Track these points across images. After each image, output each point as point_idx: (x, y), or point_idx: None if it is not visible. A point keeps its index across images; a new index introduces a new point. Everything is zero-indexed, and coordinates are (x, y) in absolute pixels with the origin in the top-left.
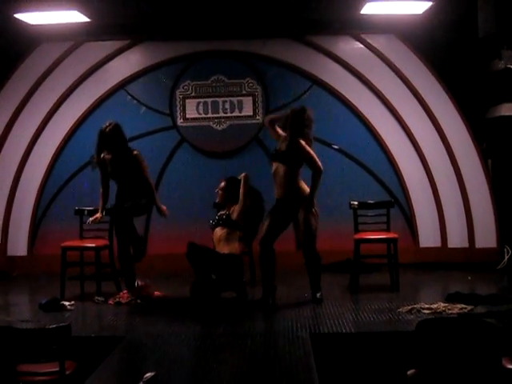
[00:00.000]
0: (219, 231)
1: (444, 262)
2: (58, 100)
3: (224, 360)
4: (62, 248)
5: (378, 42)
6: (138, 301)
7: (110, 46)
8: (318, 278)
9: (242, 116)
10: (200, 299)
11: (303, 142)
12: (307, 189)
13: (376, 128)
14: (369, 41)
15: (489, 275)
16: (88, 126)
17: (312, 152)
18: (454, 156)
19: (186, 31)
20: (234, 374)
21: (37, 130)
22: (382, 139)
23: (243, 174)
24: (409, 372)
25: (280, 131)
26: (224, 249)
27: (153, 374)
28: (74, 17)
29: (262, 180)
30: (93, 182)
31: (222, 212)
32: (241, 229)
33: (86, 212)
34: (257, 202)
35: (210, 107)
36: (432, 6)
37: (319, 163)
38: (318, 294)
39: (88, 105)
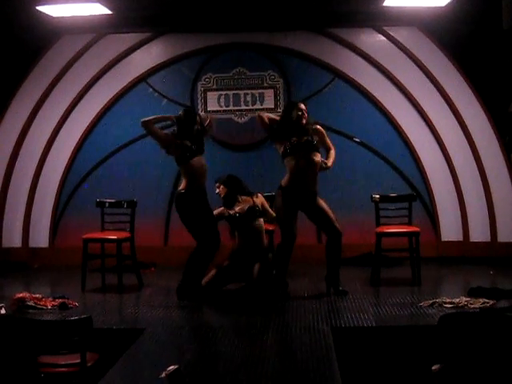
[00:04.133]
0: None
1: (466, 256)
2: (79, 93)
3: (245, 352)
4: (83, 240)
5: (400, 34)
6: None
7: (131, 38)
8: (339, 268)
9: (264, 109)
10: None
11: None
12: None
13: (398, 121)
14: (391, 33)
15: (511, 269)
16: (109, 118)
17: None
18: (476, 150)
19: (207, 23)
20: (255, 367)
21: (58, 122)
22: (404, 132)
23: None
24: (433, 367)
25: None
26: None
27: (175, 367)
28: (96, 9)
29: (283, 173)
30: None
31: (248, 205)
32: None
33: (107, 204)
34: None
35: (231, 100)
36: None
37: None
38: (340, 287)
39: (109, 97)
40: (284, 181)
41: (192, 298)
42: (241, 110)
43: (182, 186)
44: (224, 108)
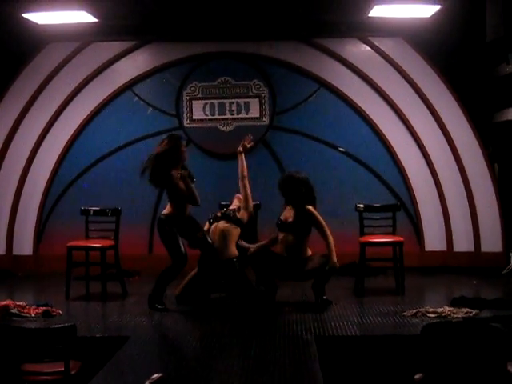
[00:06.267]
0: (223, 224)
1: (449, 266)
2: (64, 100)
3: (229, 361)
4: (67, 248)
5: (385, 45)
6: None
7: (117, 46)
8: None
9: (249, 118)
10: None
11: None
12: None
13: (382, 131)
14: (376, 44)
15: (494, 280)
16: (94, 126)
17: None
18: (460, 160)
19: (193, 32)
20: (239, 375)
21: (43, 129)
22: (389, 142)
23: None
24: (416, 376)
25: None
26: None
27: (160, 375)
28: (82, 17)
29: (267, 182)
30: (92, 183)
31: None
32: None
33: (91, 212)
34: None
35: (216, 108)
36: (440, 9)
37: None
38: (325, 297)
39: (95, 105)
40: None
41: (157, 306)
42: (226, 119)
43: (166, 210)
44: (209, 117)
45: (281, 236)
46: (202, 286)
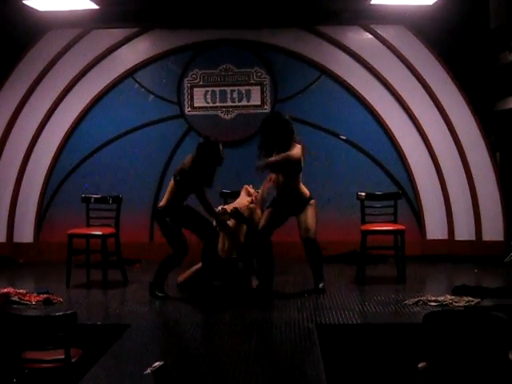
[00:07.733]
0: (232, 223)
1: (451, 255)
2: (65, 87)
3: (230, 349)
4: (68, 235)
5: (387, 32)
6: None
7: (118, 33)
8: (320, 268)
9: (250, 105)
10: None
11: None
12: (307, 192)
13: (384, 119)
14: (378, 31)
15: (495, 268)
16: (95, 113)
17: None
18: (462, 148)
19: (194, 19)
20: (240, 363)
21: (44, 117)
22: (391, 130)
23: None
24: (420, 365)
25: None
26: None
27: (161, 363)
28: (83, 4)
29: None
30: (93, 171)
31: (237, 207)
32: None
33: (92, 199)
34: None
35: (217, 96)
36: None
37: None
38: (321, 285)
39: (96, 92)
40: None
41: (158, 294)
42: (227, 107)
43: (163, 202)
44: (210, 104)
45: (273, 178)
46: (204, 276)
